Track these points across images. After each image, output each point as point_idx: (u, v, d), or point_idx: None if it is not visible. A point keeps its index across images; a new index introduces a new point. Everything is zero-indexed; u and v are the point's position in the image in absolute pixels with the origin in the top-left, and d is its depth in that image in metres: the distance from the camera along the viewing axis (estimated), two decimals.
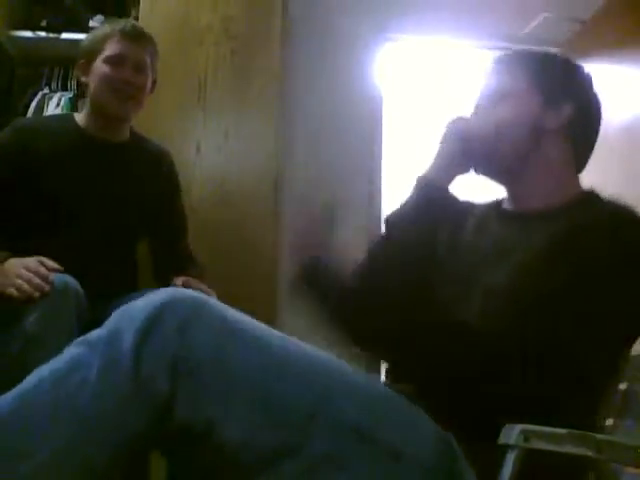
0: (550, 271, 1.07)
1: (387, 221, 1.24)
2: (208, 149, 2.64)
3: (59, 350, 0.95)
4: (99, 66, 1.97)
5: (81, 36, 2.68)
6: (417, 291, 1.12)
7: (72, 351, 0.93)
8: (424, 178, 1.23)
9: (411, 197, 1.23)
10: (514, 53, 1.38)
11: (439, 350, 1.04)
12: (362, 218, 3.13)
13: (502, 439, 0.94)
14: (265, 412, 0.92)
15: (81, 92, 2.84)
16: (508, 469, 0.92)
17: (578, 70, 1.34)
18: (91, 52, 2.00)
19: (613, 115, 2.89)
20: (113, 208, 1.98)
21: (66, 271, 1.75)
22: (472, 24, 3.26)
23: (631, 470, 1.19)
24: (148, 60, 2.03)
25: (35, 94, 2.82)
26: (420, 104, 4.75)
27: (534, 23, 3.18)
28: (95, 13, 2.81)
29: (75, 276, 1.73)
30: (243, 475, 0.93)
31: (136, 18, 2.64)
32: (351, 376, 1.02)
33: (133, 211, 2.04)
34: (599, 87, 1.32)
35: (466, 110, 1.35)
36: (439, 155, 1.26)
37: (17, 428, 0.88)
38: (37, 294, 1.62)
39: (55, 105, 2.77)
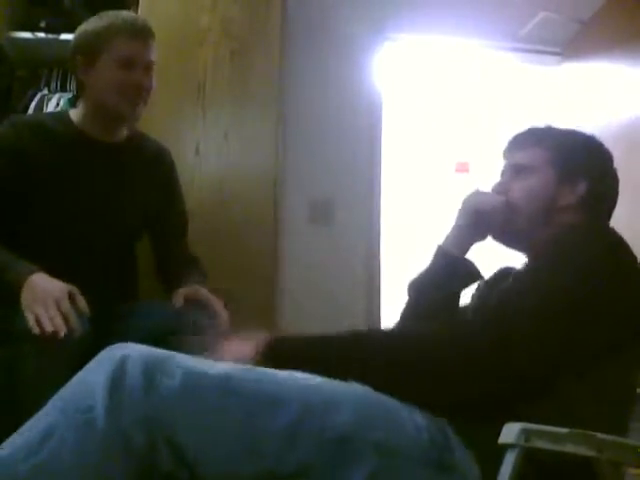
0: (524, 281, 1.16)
1: (410, 287, 1.38)
2: (207, 150, 2.63)
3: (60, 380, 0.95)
4: (106, 67, 1.86)
5: None
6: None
7: (46, 419, 0.93)
8: (442, 248, 1.37)
9: (432, 265, 1.37)
10: (539, 129, 1.45)
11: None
12: (361, 218, 3.13)
13: (503, 438, 0.94)
14: (243, 446, 0.94)
15: (79, 91, 2.84)
16: (508, 468, 0.92)
17: (597, 148, 1.41)
18: (94, 49, 1.87)
19: (612, 115, 2.89)
20: (110, 208, 1.95)
21: (63, 272, 1.69)
22: (471, 23, 3.25)
23: (632, 471, 1.19)
24: (154, 58, 1.94)
25: (34, 95, 2.81)
26: (419, 103, 4.76)
27: (533, 22, 3.17)
28: (94, 14, 2.79)
29: (70, 279, 1.68)
30: None
31: None
32: (328, 389, 1.04)
33: (131, 210, 2.01)
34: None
35: (483, 183, 1.46)
36: (456, 226, 1.38)
37: None
38: (50, 331, 1.52)
39: (54, 106, 2.76)
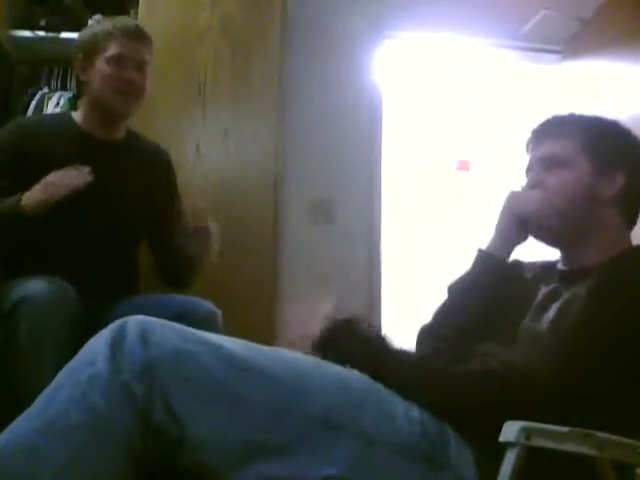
0: (586, 313, 1.13)
1: (450, 290, 1.34)
2: (208, 149, 2.63)
3: (53, 358, 0.98)
4: (101, 65, 1.98)
5: None
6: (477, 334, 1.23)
7: (57, 378, 0.98)
8: (485, 252, 1.33)
9: (473, 269, 1.33)
10: (563, 117, 1.39)
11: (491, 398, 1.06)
12: (362, 217, 3.13)
13: (503, 436, 0.94)
14: (232, 413, 0.96)
15: (80, 91, 2.84)
16: (508, 467, 0.92)
17: (627, 135, 1.36)
18: (91, 50, 2.00)
19: (613, 114, 2.88)
20: (110, 206, 1.98)
21: (63, 270, 1.74)
22: (472, 21, 3.25)
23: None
24: (148, 59, 2.05)
25: (34, 94, 2.81)
26: (420, 101, 4.75)
27: (534, 20, 3.17)
28: (94, 12, 2.79)
29: (72, 275, 1.73)
30: (220, 476, 0.96)
31: (135, 17, 2.64)
32: (321, 372, 1.06)
33: (130, 209, 2.04)
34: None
35: (519, 182, 1.40)
36: (497, 230, 1.34)
37: (18, 456, 0.90)
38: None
39: (54, 105, 2.76)
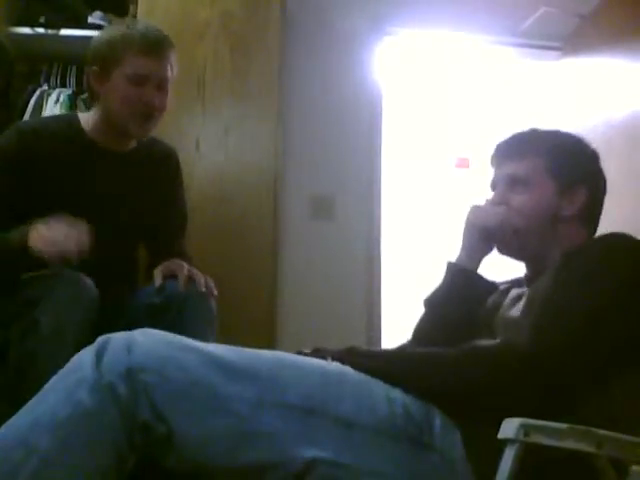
0: (551, 288, 1.16)
1: (427, 302, 1.40)
2: (207, 146, 2.63)
3: (73, 345, 1.01)
4: (119, 81, 1.84)
5: (80, 32, 2.69)
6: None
7: (46, 384, 1.02)
8: (454, 265, 1.39)
9: (449, 282, 1.39)
10: (527, 135, 1.42)
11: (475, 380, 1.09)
12: (362, 213, 3.13)
13: (502, 433, 0.94)
14: (214, 408, 0.99)
15: (80, 89, 2.84)
16: (507, 464, 0.92)
17: (589, 151, 1.39)
18: (109, 61, 1.85)
19: (613, 111, 2.88)
20: (115, 217, 1.93)
21: None
22: (471, 18, 3.25)
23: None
24: (170, 74, 1.90)
25: (34, 91, 2.81)
26: (419, 98, 4.75)
27: (533, 17, 3.17)
28: (94, 9, 2.79)
29: None
30: (207, 473, 1.00)
31: (135, 14, 2.63)
32: (299, 364, 1.09)
33: (135, 219, 2.00)
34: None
35: (481, 198, 1.44)
36: (463, 244, 1.40)
37: (6, 446, 0.95)
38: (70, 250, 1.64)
39: (54, 102, 2.76)
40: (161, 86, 1.88)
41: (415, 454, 1.04)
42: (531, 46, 3.37)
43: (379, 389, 1.08)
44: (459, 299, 1.36)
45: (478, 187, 4.65)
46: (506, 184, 1.38)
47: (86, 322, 1.66)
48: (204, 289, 1.85)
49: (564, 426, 0.95)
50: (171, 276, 1.89)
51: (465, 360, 1.12)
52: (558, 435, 0.94)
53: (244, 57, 2.68)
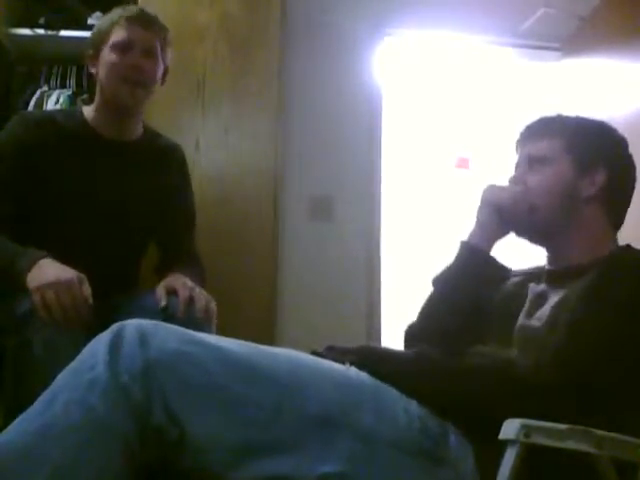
0: (580, 309, 1.14)
1: (436, 282, 1.34)
2: (207, 146, 2.64)
3: (68, 360, 1.00)
4: (106, 54, 1.88)
5: (80, 33, 2.69)
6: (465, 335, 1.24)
7: (51, 387, 0.99)
8: (467, 244, 1.34)
9: (456, 260, 1.33)
10: (550, 118, 1.41)
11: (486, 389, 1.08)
12: (362, 214, 3.13)
13: (503, 434, 0.94)
14: (231, 413, 0.97)
15: (80, 90, 2.84)
16: (508, 464, 0.92)
17: (611, 134, 1.37)
18: (98, 41, 1.91)
19: (612, 111, 2.88)
20: (110, 211, 1.92)
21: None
22: (471, 19, 3.25)
23: None
24: (158, 45, 1.93)
25: (34, 92, 2.81)
26: (419, 98, 4.75)
27: (533, 18, 3.17)
28: (94, 10, 2.80)
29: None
30: (219, 476, 0.97)
31: None
32: (319, 371, 1.06)
33: (131, 214, 1.97)
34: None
35: (501, 177, 1.41)
36: (477, 223, 1.35)
37: (16, 454, 0.92)
38: (60, 319, 1.55)
39: (54, 103, 2.76)
40: (148, 53, 1.90)
41: (429, 469, 1.03)
42: (531, 47, 3.37)
43: (397, 402, 1.06)
44: (469, 277, 1.30)
45: (478, 187, 4.65)
46: (526, 165, 1.37)
47: (80, 337, 1.57)
48: (203, 314, 1.75)
49: (564, 427, 0.95)
50: (174, 291, 1.81)
51: (484, 374, 1.11)
52: (558, 435, 0.94)
53: (244, 58, 2.68)
